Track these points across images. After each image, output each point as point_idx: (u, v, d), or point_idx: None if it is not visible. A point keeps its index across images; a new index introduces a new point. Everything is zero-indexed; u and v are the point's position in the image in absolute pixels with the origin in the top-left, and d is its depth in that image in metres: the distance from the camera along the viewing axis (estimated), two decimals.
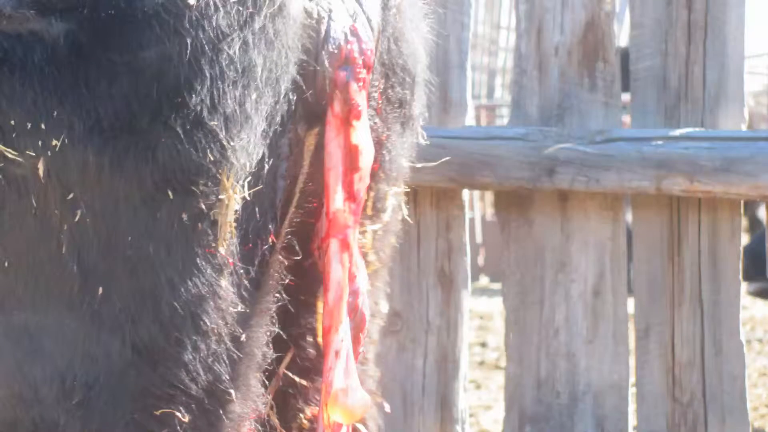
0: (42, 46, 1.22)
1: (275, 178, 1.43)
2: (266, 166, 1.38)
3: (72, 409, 1.30)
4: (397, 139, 1.66)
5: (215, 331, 1.35)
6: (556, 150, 3.04)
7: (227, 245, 1.34)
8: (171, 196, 1.28)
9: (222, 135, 1.29)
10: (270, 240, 1.42)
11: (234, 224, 1.34)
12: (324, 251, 1.47)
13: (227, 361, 1.37)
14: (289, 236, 1.47)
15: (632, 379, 3.21)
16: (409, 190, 1.84)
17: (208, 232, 1.32)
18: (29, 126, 1.23)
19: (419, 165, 1.98)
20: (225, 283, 1.35)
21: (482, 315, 7.64)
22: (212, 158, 1.29)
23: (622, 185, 3.04)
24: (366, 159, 1.46)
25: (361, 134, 1.45)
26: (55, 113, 1.23)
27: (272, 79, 1.34)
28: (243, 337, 1.39)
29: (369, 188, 1.55)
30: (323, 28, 1.42)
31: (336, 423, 1.47)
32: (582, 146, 3.04)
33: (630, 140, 3.04)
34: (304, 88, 1.41)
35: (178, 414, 1.34)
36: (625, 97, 3.28)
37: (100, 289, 1.29)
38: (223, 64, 1.27)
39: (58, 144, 1.23)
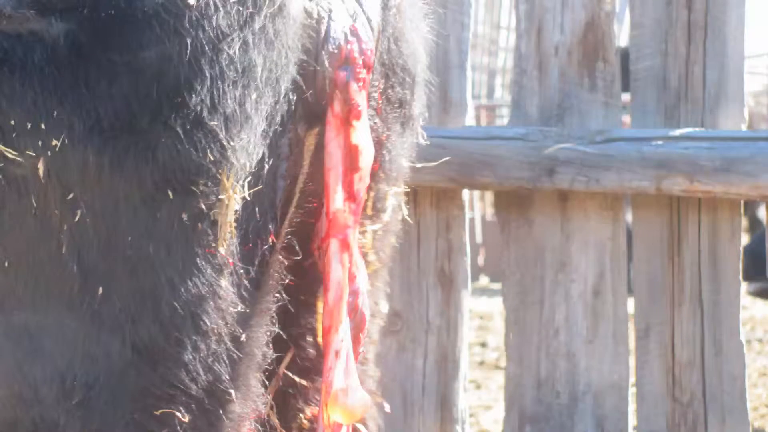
0: (42, 46, 1.22)
1: (275, 178, 1.43)
2: (266, 166, 1.38)
3: (72, 409, 1.30)
4: (397, 139, 1.66)
5: (215, 331, 1.35)
6: (556, 150, 3.05)
7: (227, 245, 1.34)
8: (171, 196, 1.28)
9: (222, 135, 1.29)
10: (270, 240, 1.42)
11: (234, 224, 1.34)
12: (324, 251, 1.47)
13: (227, 361, 1.37)
14: (289, 236, 1.47)
15: (632, 379, 3.21)
16: (409, 190, 1.84)
17: (208, 232, 1.32)
18: (29, 126, 1.23)
19: (419, 165, 1.99)
20: (225, 283, 1.35)
21: (482, 315, 7.64)
22: (212, 158, 1.29)
23: (622, 185, 3.04)
24: (366, 159, 1.46)
25: (361, 134, 1.45)
26: (55, 113, 1.23)
27: (272, 79, 1.34)
28: (243, 337, 1.39)
29: (369, 188, 1.55)
30: (323, 28, 1.42)
31: (336, 423, 1.47)
32: (582, 146, 3.04)
33: (630, 140, 3.04)
34: (304, 88, 1.41)
35: (178, 414, 1.34)
36: (625, 97, 3.28)
37: (100, 289, 1.29)
38: (223, 64, 1.27)
39: (58, 144, 1.23)
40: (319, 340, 1.56)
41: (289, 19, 1.35)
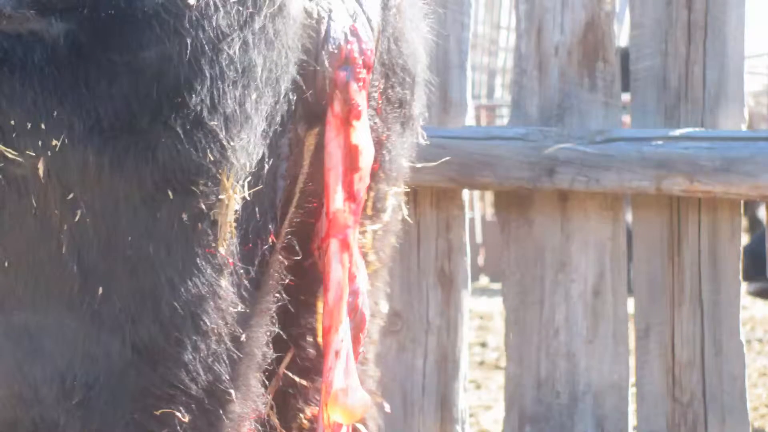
0: (42, 46, 1.22)
1: (275, 178, 1.43)
2: (266, 166, 1.38)
3: (72, 409, 1.30)
4: (397, 139, 1.66)
5: (215, 331, 1.35)
6: (556, 150, 3.05)
7: (227, 245, 1.34)
8: (171, 196, 1.28)
9: (222, 135, 1.29)
10: (270, 240, 1.42)
11: (234, 224, 1.34)
12: (324, 251, 1.47)
13: (227, 361, 1.37)
14: (289, 236, 1.47)
15: (632, 379, 3.21)
16: (409, 190, 1.84)
17: (208, 232, 1.32)
18: (29, 126, 1.23)
19: (419, 165, 1.98)
20: (225, 283, 1.35)
21: (482, 315, 7.64)
22: (212, 158, 1.29)
23: (622, 185, 3.04)
24: (366, 159, 1.46)
25: (361, 134, 1.45)
26: (55, 113, 1.23)
27: (272, 79, 1.34)
28: (243, 337, 1.39)
29: (369, 188, 1.55)
30: (323, 28, 1.42)
31: (336, 423, 1.47)
32: (582, 146, 3.04)
33: (630, 140, 3.04)
34: (304, 88, 1.41)
35: (178, 414, 1.34)
36: (625, 97, 3.28)
37: (100, 289, 1.29)
38: (223, 64, 1.27)
39: (58, 144, 1.23)
40: (319, 340, 1.56)
41: (289, 19, 1.35)
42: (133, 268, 1.29)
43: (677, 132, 3.04)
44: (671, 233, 3.15)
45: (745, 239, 7.60)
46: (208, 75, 1.26)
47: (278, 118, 1.38)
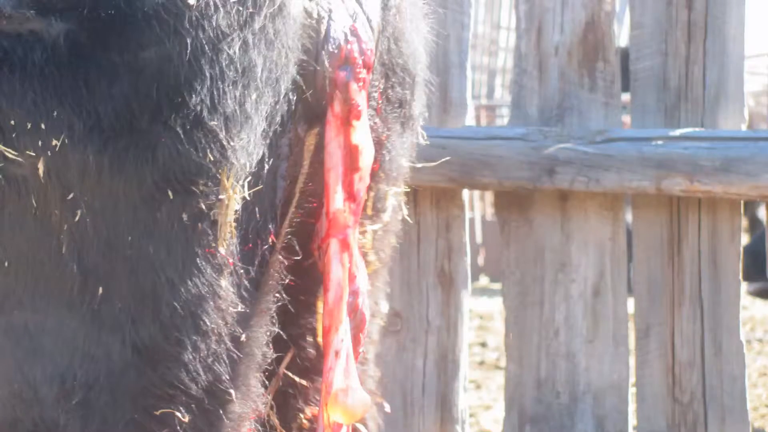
0: (42, 46, 1.22)
1: (275, 178, 1.43)
2: (266, 166, 1.38)
3: (72, 409, 1.30)
4: (397, 139, 1.66)
5: (215, 331, 1.35)
6: (556, 150, 3.05)
7: (227, 245, 1.34)
8: (171, 196, 1.28)
9: (222, 135, 1.29)
10: (270, 240, 1.42)
11: (234, 224, 1.34)
12: (324, 251, 1.47)
13: (227, 361, 1.37)
14: (289, 236, 1.47)
15: (632, 379, 3.21)
16: (409, 190, 1.84)
17: (208, 232, 1.32)
18: (29, 126, 1.22)
19: (419, 165, 1.99)
20: (225, 283, 1.35)
21: (482, 315, 7.64)
22: (212, 158, 1.29)
23: (622, 185, 3.04)
24: (366, 159, 1.46)
25: (361, 134, 1.45)
26: (55, 113, 1.23)
27: (272, 79, 1.34)
28: (243, 337, 1.39)
29: (369, 188, 1.55)
30: (323, 28, 1.42)
31: (336, 423, 1.47)
32: (582, 146, 3.04)
33: (630, 140, 3.04)
34: (304, 88, 1.41)
35: (178, 414, 1.34)
36: (625, 97, 3.28)
37: (100, 289, 1.29)
38: (223, 64, 1.27)
39: (58, 144, 1.23)
40: (319, 340, 1.56)
41: (289, 19, 1.35)
42: (133, 268, 1.29)
43: (677, 132, 3.04)
44: (671, 233, 3.15)
45: (745, 239, 7.60)
46: (208, 75, 1.26)
47: (278, 118, 1.38)
